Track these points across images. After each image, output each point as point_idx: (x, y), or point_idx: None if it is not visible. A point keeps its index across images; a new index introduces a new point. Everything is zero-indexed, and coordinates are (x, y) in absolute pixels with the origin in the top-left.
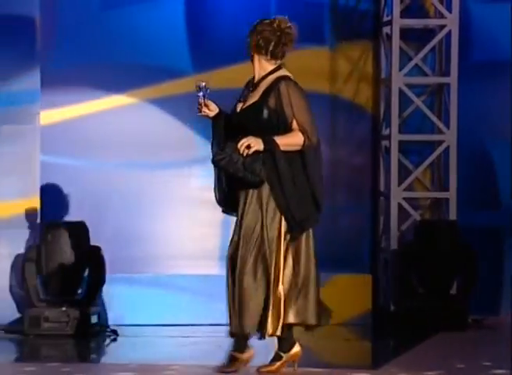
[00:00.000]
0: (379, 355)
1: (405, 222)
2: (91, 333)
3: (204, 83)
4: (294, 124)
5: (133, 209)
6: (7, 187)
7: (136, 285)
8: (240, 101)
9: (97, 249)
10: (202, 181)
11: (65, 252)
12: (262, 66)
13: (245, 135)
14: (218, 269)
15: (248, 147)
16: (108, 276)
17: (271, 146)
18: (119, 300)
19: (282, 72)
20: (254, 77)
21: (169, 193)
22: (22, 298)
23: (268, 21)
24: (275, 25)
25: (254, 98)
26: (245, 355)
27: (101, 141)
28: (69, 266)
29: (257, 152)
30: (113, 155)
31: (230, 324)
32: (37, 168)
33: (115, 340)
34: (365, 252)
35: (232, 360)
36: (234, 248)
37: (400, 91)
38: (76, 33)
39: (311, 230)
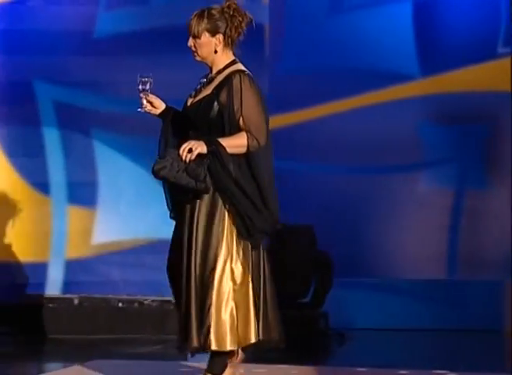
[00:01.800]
0: None
1: None
2: (319, 336)
3: (145, 78)
4: (241, 122)
5: (359, 213)
6: None
7: (363, 289)
8: (191, 96)
9: (325, 253)
10: (430, 185)
11: (294, 256)
12: (221, 59)
13: (194, 132)
14: (445, 274)
15: (190, 151)
16: (335, 279)
17: (215, 147)
18: (347, 304)
19: (238, 66)
20: (211, 71)
21: (396, 197)
22: None
23: (234, 6)
24: (244, 13)
25: (207, 91)
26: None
27: (327, 145)
28: (297, 269)
29: (200, 156)
30: (339, 159)
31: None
32: None
33: (342, 343)
34: None
35: None
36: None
37: None
38: (303, 38)
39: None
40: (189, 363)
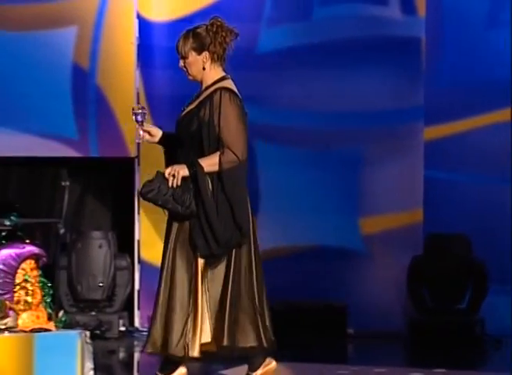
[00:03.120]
0: None
1: None
2: (475, 342)
3: (138, 110)
4: (220, 137)
5: None
6: (391, 200)
7: None
8: (182, 111)
9: (481, 260)
10: None
11: (450, 263)
12: (209, 75)
13: (180, 149)
14: None
15: (174, 176)
16: (491, 286)
17: (195, 169)
18: (503, 310)
19: (225, 83)
20: (201, 87)
21: None
22: (407, 306)
23: (218, 23)
24: (228, 29)
25: (192, 106)
26: None
27: (482, 155)
28: (454, 275)
29: (185, 180)
30: (493, 169)
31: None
32: (420, 182)
33: (498, 349)
34: None
35: None
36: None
37: None
38: (460, 51)
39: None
40: (345, 366)
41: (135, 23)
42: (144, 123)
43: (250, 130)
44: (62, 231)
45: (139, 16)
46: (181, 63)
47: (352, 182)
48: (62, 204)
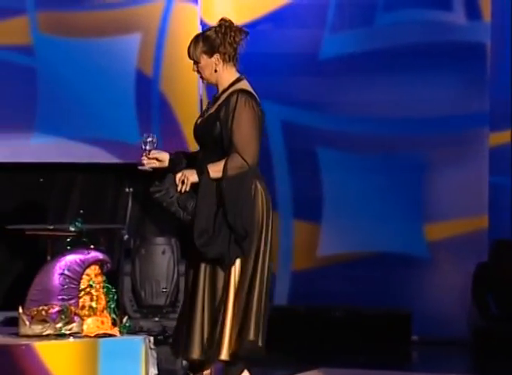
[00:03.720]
0: None
1: None
2: None
3: (151, 138)
4: (232, 139)
5: None
6: (456, 206)
7: None
8: (200, 116)
9: None
10: None
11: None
12: (223, 77)
13: (202, 152)
14: None
15: (183, 182)
16: None
17: (204, 175)
18: None
19: (241, 84)
20: (218, 90)
21: None
22: (471, 313)
23: (226, 24)
24: (238, 28)
25: (211, 110)
26: None
27: None
28: None
29: (193, 186)
30: None
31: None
32: (485, 188)
33: None
34: None
35: None
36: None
37: None
38: None
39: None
40: (409, 373)
41: (199, 30)
42: (152, 152)
43: (312, 136)
44: (125, 237)
45: (202, 23)
46: (194, 68)
47: (416, 188)
48: (126, 210)
